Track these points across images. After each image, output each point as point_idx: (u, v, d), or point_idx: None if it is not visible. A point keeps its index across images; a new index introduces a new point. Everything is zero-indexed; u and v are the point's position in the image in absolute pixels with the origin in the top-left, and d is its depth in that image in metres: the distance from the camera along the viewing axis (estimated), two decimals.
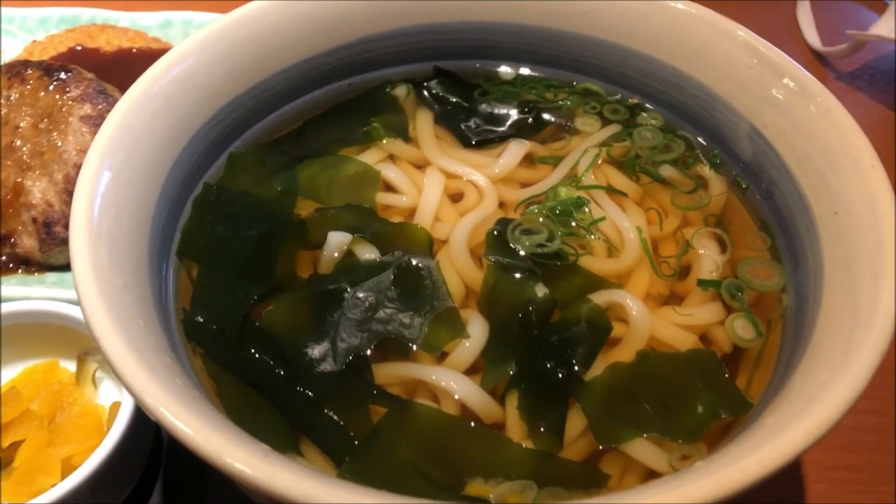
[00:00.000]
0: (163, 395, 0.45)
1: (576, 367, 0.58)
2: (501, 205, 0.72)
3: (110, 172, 0.59)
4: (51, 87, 0.93)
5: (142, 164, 0.62)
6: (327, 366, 0.58)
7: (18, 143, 0.91)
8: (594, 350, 0.59)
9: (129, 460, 0.69)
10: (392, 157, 0.76)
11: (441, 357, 0.60)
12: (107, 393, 0.77)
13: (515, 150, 0.75)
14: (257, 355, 0.60)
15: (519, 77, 0.83)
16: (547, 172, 0.74)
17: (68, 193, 0.87)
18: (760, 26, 0.73)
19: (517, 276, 0.64)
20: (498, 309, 0.62)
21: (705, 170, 0.73)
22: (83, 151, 0.87)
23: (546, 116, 0.79)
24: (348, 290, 0.62)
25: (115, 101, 0.91)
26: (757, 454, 0.43)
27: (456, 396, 0.57)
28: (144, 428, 0.70)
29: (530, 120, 0.79)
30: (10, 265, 0.89)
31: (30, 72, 0.94)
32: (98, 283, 0.51)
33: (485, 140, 0.77)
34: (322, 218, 0.68)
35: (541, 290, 0.62)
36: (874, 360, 0.47)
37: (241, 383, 0.58)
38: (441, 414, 0.56)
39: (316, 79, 0.79)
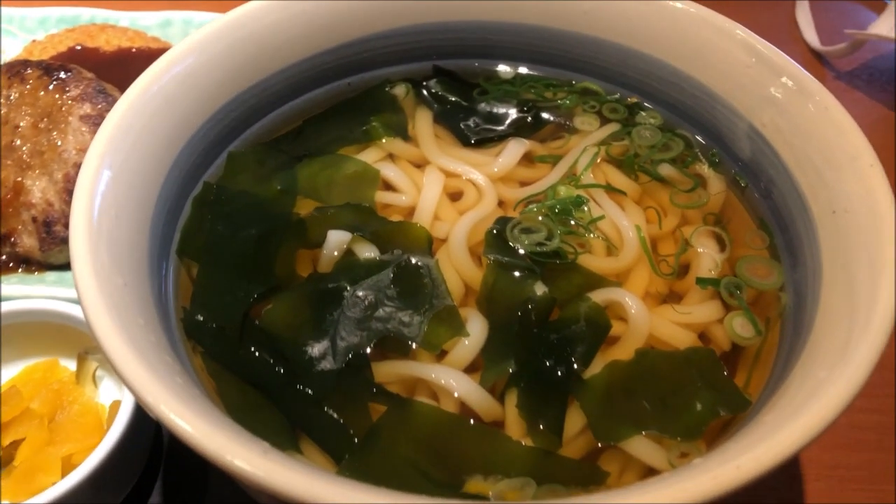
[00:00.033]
0: (163, 393, 0.45)
1: (575, 366, 0.58)
2: (501, 203, 0.72)
3: (110, 172, 0.59)
4: (50, 87, 0.93)
5: (141, 163, 0.62)
6: (327, 364, 0.58)
7: (18, 142, 0.91)
8: (593, 348, 0.59)
9: (129, 459, 0.69)
10: (391, 156, 0.76)
11: (440, 355, 0.60)
12: (107, 392, 0.77)
13: (514, 148, 0.75)
14: (257, 354, 0.60)
15: (518, 76, 0.83)
16: (546, 171, 0.74)
17: (68, 193, 0.87)
18: (759, 26, 0.73)
19: (516, 274, 0.64)
20: (497, 307, 0.62)
21: (704, 168, 0.74)
22: (83, 151, 0.88)
23: (545, 115, 0.80)
24: (348, 288, 0.62)
25: (114, 101, 0.91)
26: (754, 451, 0.43)
27: (455, 394, 0.57)
28: (144, 427, 0.70)
29: (529, 119, 0.79)
30: (11, 264, 0.90)
31: (29, 71, 0.95)
32: (98, 283, 0.51)
33: (484, 139, 0.77)
34: (321, 217, 0.68)
35: (540, 289, 0.62)
36: (872, 356, 0.47)
37: (241, 382, 0.58)
38: (440, 412, 0.57)
39: (315, 78, 0.79)
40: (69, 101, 0.91)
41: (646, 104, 0.79)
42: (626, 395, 0.57)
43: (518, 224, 0.67)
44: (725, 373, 0.59)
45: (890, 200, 0.56)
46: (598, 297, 0.62)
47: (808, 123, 0.63)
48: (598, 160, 0.74)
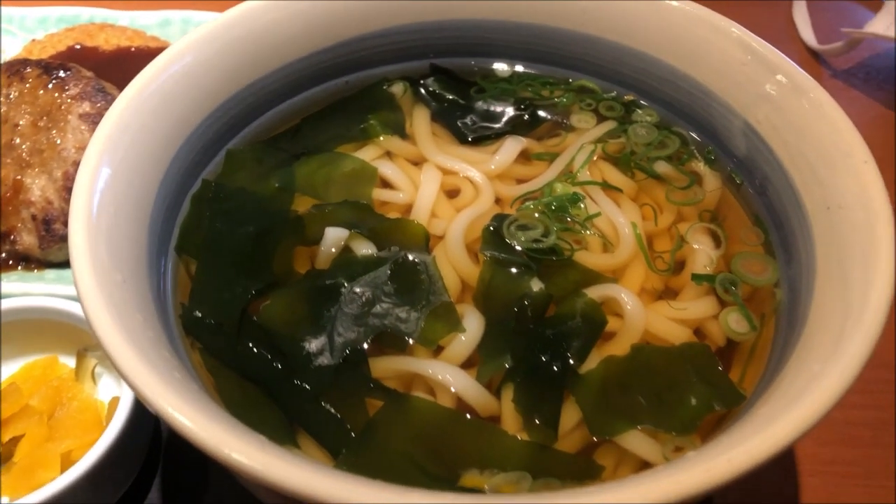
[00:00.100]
0: (161, 387, 0.46)
1: (571, 361, 0.59)
2: (497, 201, 0.72)
3: (109, 169, 0.59)
4: (50, 86, 0.93)
5: (140, 160, 0.63)
6: (324, 360, 0.59)
7: (18, 140, 0.91)
8: (589, 344, 0.60)
9: (127, 455, 0.69)
10: (389, 154, 0.76)
11: (437, 351, 0.60)
12: (106, 388, 0.77)
13: (511, 146, 0.76)
14: (255, 350, 0.60)
15: (515, 74, 0.83)
16: (543, 169, 0.75)
17: (67, 191, 0.87)
18: (757, 25, 0.74)
19: (513, 271, 0.64)
20: (494, 303, 0.63)
21: (700, 166, 0.74)
22: (82, 149, 0.88)
23: (542, 113, 0.80)
24: (345, 285, 0.62)
25: (113, 100, 0.91)
26: (747, 444, 0.43)
27: (452, 389, 0.58)
28: (143, 423, 0.71)
29: (526, 117, 0.79)
30: (10, 262, 0.90)
31: (29, 70, 0.95)
32: (97, 279, 0.51)
33: (481, 137, 0.78)
34: (319, 214, 0.68)
35: (536, 285, 0.63)
36: (865, 351, 0.48)
37: (239, 377, 0.59)
38: (437, 407, 0.57)
39: (313, 76, 0.79)
40: (68, 100, 0.91)
41: (642, 102, 0.79)
42: (621, 390, 0.57)
43: (515, 221, 0.68)
44: (720, 368, 0.59)
45: (883, 196, 0.56)
46: (594, 293, 0.63)
47: (803, 120, 0.64)
48: (595, 157, 0.74)
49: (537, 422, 0.56)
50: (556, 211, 0.69)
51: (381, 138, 0.76)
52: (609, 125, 0.78)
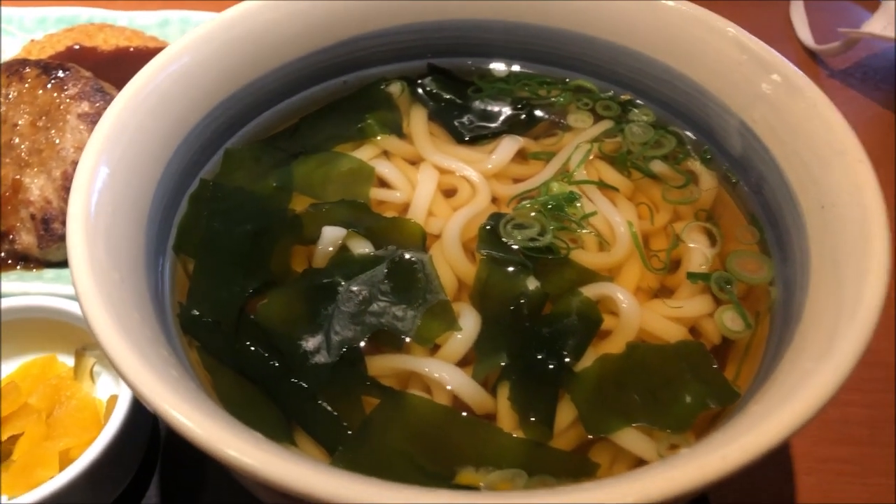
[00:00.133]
0: (158, 385, 0.46)
1: (566, 359, 0.59)
2: (494, 200, 0.73)
3: (107, 168, 0.59)
4: (49, 86, 0.93)
5: (138, 160, 0.63)
6: (321, 358, 0.59)
7: (17, 140, 0.91)
8: (584, 342, 0.60)
9: (125, 453, 0.70)
10: (386, 154, 0.77)
11: (433, 349, 0.61)
12: (104, 387, 0.78)
13: (508, 146, 0.76)
14: (252, 348, 0.60)
15: (512, 74, 0.84)
16: (539, 168, 0.75)
17: (66, 190, 0.88)
18: (754, 24, 0.74)
19: (509, 269, 0.65)
20: (490, 302, 0.63)
21: (696, 165, 0.74)
22: (81, 148, 0.88)
23: (539, 113, 0.80)
24: (342, 283, 0.63)
25: (112, 99, 0.92)
26: (740, 441, 0.44)
27: (448, 387, 0.58)
28: (141, 421, 0.71)
29: (523, 116, 0.80)
30: (9, 262, 0.90)
31: (28, 70, 0.95)
32: (95, 277, 0.51)
33: (478, 136, 0.78)
34: (317, 213, 0.69)
35: (532, 284, 0.63)
36: (858, 348, 0.48)
37: (237, 375, 0.59)
38: (433, 405, 0.57)
39: (311, 76, 0.79)
40: (67, 100, 0.92)
41: (639, 101, 0.79)
42: (616, 387, 0.58)
43: (511, 220, 0.68)
44: (715, 366, 0.59)
45: (877, 195, 0.56)
46: (590, 291, 0.63)
47: (798, 119, 0.64)
48: (591, 157, 0.74)
49: (533, 419, 0.56)
50: (553, 210, 0.69)
51: (379, 138, 0.77)
52: (606, 125, 0.78)
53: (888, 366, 0.86)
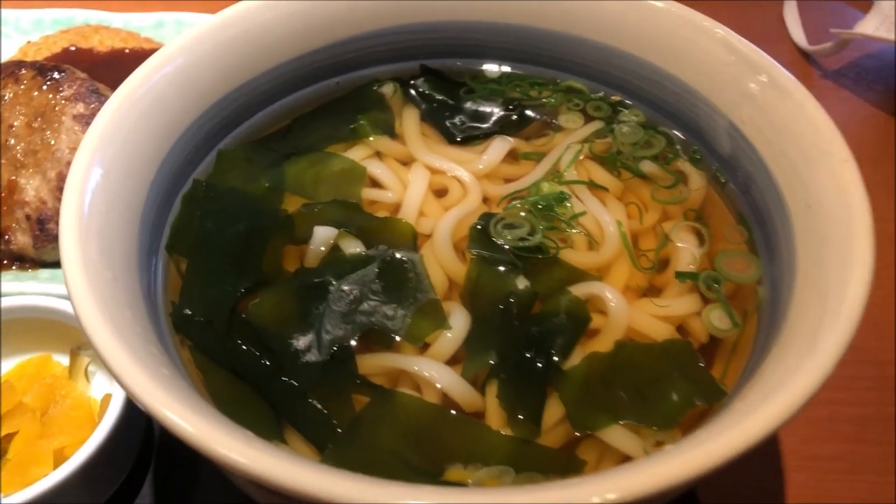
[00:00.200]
0: (149, 382, 0.47)
1: (555, 357, 0.60)
2: (485, 200, 0.73)
3: (101, 169, 0.60)
4: (44, 87, 0.94)
5: (132, 160, 0.64)
6: (312, 356, 0.60)
7: (12, 141, 0.92)
8: (573, 340, 0.61)
9: (119, 452, 0.70)
10: (378, 154, 0.77)
11: (424, 348, 0.61)
12: (99, 386, 0.78)
13: (499, 146, 0.77)
14: (244, 347, 0.61)
15: (504, 75, 0.84)
16: (530, 168, 0.75)
17: (61, 191, 0.88)
18: (748, 25, 0.74)
19: (499, 269, 0.65)
20: (480, 301, 0.64)
21: (685, 165, 0.75)
22: (76, 149, 0.88)
23: (530, 113, 0.81)
24: (333, 283, 0.63)
25: (107, 101, 0.92)
26: (723, 437, 0.44)
27: (438, 386, 0.59)
28: (135, 420, 0.72)
29: (515, 117, 0.80)
30: (4, 262, 0.91)
31: (23, 72, 0.96)
32: (87, 275, 0.52)
33: (470, 137, 0.79)
34: (308, 213, 0.69)
35: (522, 283, 0.64)
36: (840, 346, 0.48)
37: (228, 374, 0.60)
38: (422, 402, 0.58)
39: (304, 77, 0.80)
40: (62, 101, 0.92)
41: (629, 102, 0.80)
42: (604, 385, 0.58)
43: (501, 220, 0.69)
44: (702, 364, 0.60)
45: (861, 195, 0.57)
46: (579, 290, 0.63)
47: (785, 120, 0.64)
48: (582, 157, 0.75)
49: (521, 417, 0.57)
50: (543, 210, 0.70)
51: (371, 138, 0.77)
52: (596, 125, 0.78)
53: (876, 364, 0.86)
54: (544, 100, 0.82)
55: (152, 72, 0.67)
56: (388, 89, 0.82)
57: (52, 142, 0.90)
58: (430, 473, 0.53)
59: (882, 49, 1.28)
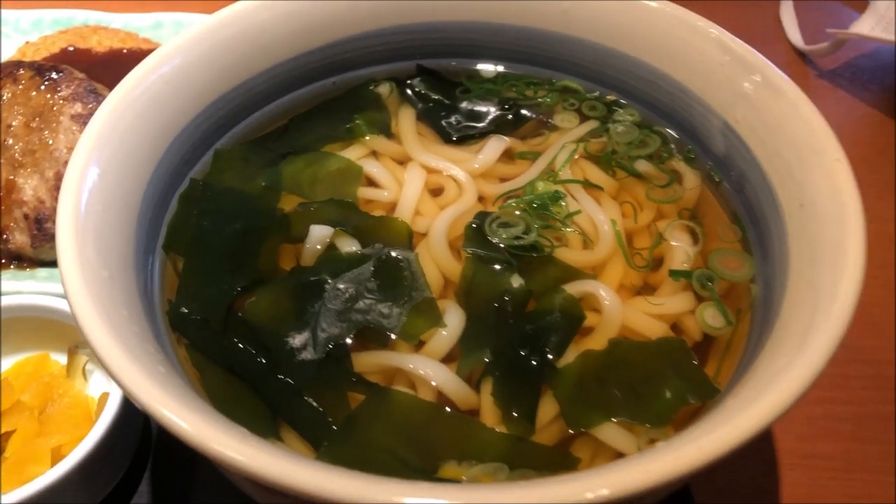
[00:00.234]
0: (145, 380, 0.47)
1: (549, 355, 0.60)
2: (481, 199, 0.74)
3: (97, 168, 0.60)
4: (42, 87, 0.94)
5: (129, 159, 0.64)
6: (307, 354, 0.60)
7: (10, 141, 0.92)
8: (567, 338, 0.61)
9: (117, 449, 0.70)
10: (375, 154, 0.77)
11: (419, 346, 0.62)
12: (97, 385, 0.78)
13: (495, 145, 0.77)
14: (240, 345, 0.61)
15: (500, 75, 0.84)
16: (525, 167, 0.76)
17: (59, 190, 0.88)
18: (744, 25, 0.75)
19: (494, 267, 0.66)
20: (475, 299, 0.64)
21: (680, 164, 0.75)
22: (73, 149, 0.89)
23: (526, 113, 0.81)
24: (329, 281, 0.63)
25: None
26: (714, 434, 0.44)
27: (433, 383, 0.59)
28: (133, 418, 0.72)
29: (510, 116, 0.81)
30: (2, 261, 0.91)
31: (22, 72, 0.96)
32: (83, 274, 0.52)
33: (465, 136, 0.79)
34: (305, 212, 0.70)
35: (516, 281, 0.64)
36: (832, 344, 0.49)
37: (224, 372, 0.60)
38: (417, 400, 0.58)
39: (301, 77, 0.80)
40: (60, 101, 0.93)
41: (624, 102, 0.80)
42: (598, 383, 0.58)
43: (497, 218, 0.69)
44: (695, 362, 0.60)
45: (854, 194, 0.57)
46: (573, 288, 0.64)
47: (778, 119, 0.65)
48: (577, 156, 0.75)
49: (515, 415, 0.57)
50: (538, 209, 0.70)
51: (367, 138, 0.78)
52: (591, 125, 0.79)
53: (873, 363, 0.87)
54: (540, 99, 0.82)
55: (149, 72, 0.67)
56: (384, 89, 0.82)
57: (50, 141, 0.91)
58: (424, 470, 0.53)
59: (878, 49, 1.28)
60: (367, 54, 0.83)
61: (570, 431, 0.57)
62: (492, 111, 0.81)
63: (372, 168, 0.75)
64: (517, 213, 0.70)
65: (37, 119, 0.92)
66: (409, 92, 0.83)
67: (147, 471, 0.76)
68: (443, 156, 0.76)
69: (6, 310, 0.77)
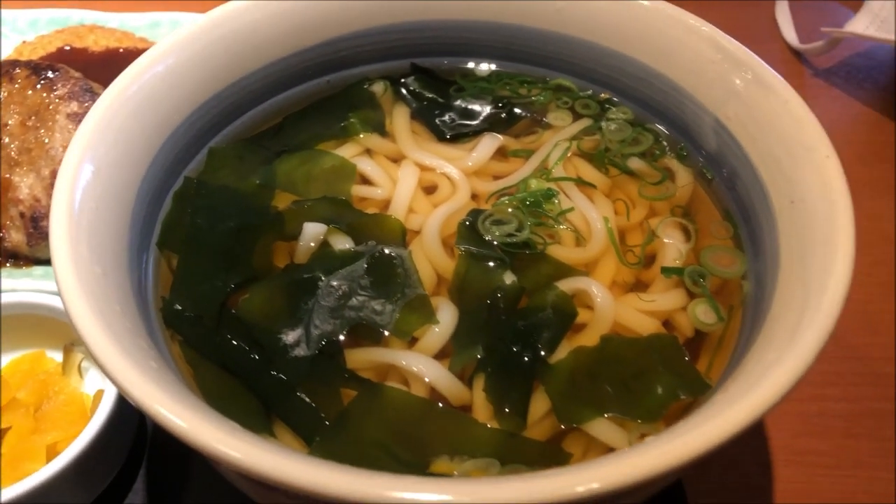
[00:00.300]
0: (138, 377, 0.47)
1: (541, 352, 0.60)
2: (474, 196, 0.74)
3: (91, 166, 0.61)
4: (38, 86, 0.95)
5: (123, 157, 0.64)
6: (301, 351, 0.60)
7: (7, 140, 0.93)
8: (559, 335, 0.61)
9: (112, 446, 0.71)
10: (369, 152, 0.78)
11: (412, 342, 0.62)
12: (92, 382, 0.79)
13: (488, 143, 0.77)
14: (234, 341, 0.61)
15: (493, 73, 0.85)
16: (519, 165, 0.76)
17: None
18: (740, 24, 0.75)
19: (487, 264, 0.66)
20: (468, 296, 0.64)
21: (672, 162, 0.75)
22: None
23: (519, 111, 0.82)
24: (322, 278, 0.64)
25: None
26: (702, 429, 0.45)
27: (426, 380, 0.59)
28: (128, 415, 0.72)
29: (504, 115, 0.81)
30: None
31: (18, 71, 0.96)
32: (76, 271, 0.52)
33: (459, 134, 0.79)
34: (299, 210, 0.70)
35: (509, 278, 0.64)
36: (820, 341, 0.49)
37: (218, 368, 0.60)
38: (410, 396, 0.58)
39: (295, 76, 0.81)
40: (56, 100, 0.93)
41: (617, 100, 0.80)
42: (589, 379, 0.59)
43: (490, 216, 0.69)
44: (686, 358, 0.60)
45: (844, 191, 0.57)
46: (566, 285, 0.64)
47: (769, 116, 0.65)
48: (570, 154, 0.76)
49: (507, 410, 0.57)
50: (531, 206, 0.70)
51: (361, 136, 0.78)
52: (584, 122, 0.79)
53: (866, 360, 0.87)
54: (533, 98, 0.82)
55: (143, 70, 0.68)
56: (378, 87, 0.83)
57: (47, 140, 0.91)
58: (416, 465, 0.54)
59: (873, 48, 1.28)
60: (360, 53, 0.83)
61: (562, 427, 0.57)
62: (485, 109, 0.81)
63: (366, 166, 0.75)
64: (510, 210, 0.70)
65: (33, 118, 0.93)
66: (403, 90, 0.83)
67: (142, 468, 0.76)
68: (436, 154, 0.77)
69: (2, 307, 0.77)
